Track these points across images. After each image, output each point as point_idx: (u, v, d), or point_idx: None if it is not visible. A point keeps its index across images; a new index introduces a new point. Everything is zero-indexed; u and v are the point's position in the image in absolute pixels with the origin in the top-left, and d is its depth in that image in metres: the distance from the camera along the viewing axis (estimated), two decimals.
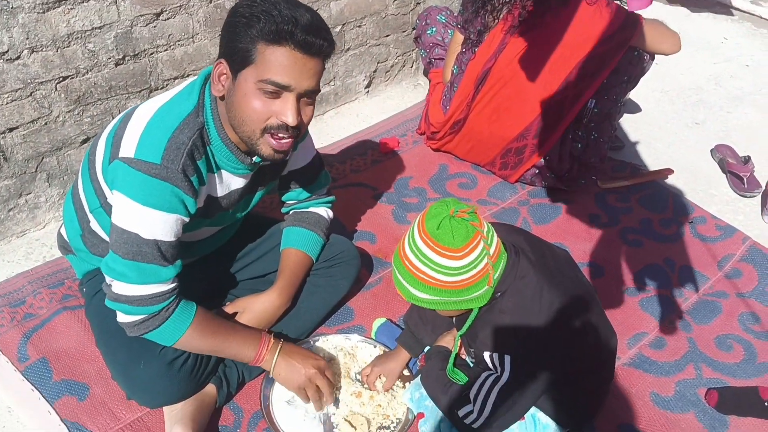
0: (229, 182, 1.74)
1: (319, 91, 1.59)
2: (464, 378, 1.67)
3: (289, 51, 1.49)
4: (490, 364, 1.57)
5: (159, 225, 1.56)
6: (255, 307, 1.92)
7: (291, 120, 1.53)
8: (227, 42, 1.53)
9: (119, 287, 1.60)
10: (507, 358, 1.52)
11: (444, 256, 1.41)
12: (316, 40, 1.50)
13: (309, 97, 1.57)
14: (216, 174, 1.69)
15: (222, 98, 1.59)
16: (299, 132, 1.61)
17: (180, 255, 1.65)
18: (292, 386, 1.81)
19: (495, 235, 1.48)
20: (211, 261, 2.01)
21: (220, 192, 1.74)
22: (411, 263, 1.45)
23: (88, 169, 1.71)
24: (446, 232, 1.40)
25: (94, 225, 1.78)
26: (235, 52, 1.51)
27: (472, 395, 1.58)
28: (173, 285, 1.64)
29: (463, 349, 1.76)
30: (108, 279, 1.62)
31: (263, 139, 1.58)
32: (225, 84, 1.56)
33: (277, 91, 1.51)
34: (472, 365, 1.76)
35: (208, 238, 1.92)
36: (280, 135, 1.57)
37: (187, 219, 1.62)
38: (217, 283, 2.08)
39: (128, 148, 1.55)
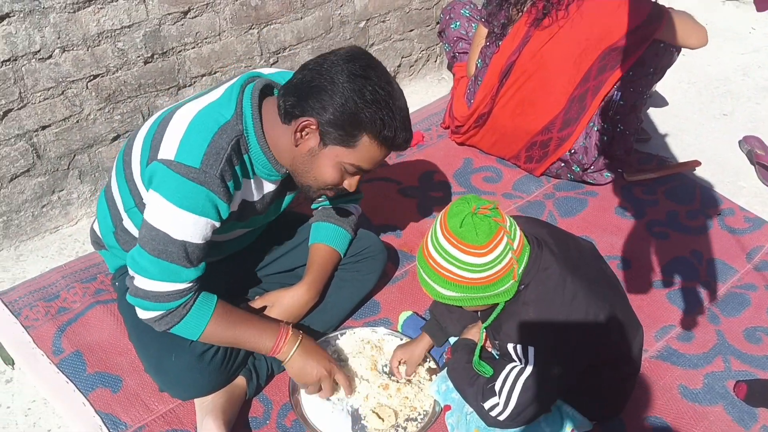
0: (263, 187, 1.78)
1: None
2: (490, 370, 1.68)
3: (387, 151, 1.64)
4: (514, 356, 1.57)
5: (190, 227, 1.58)
6: (284, 301, 1.94)
7: (353, 190, 1.71)
8: (330, 113, 1.55)
9: (140, 281, 1.62)
10: (531, 350, 1.52)
11: (469, 253, 1.42)
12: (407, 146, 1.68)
13: None
14: (252, 179, 1.72)
15: (296, 145, 1.63)
16: None
17: (208, 254, 1.67)
18: (301, 382, 1.83)
19: (518, 229, 1.49)
20: (237, 259, 2.03)
21: (255, 197, 1.77)
22: (436, 262, 1.47)
23: (123, 169, 1.74)
24: (469, 229, 1.41)
25: (128, 224, 1.81)
26: (337, 128, 1.56)
27: (497, 387, 1.59)
28: (192, 285, 1.65)
29: (488, 341, 1.77)
30: (131, 272, 1.65)
31: (320, 190, 1.73)
32: (307, 140, 1.61)
33: (357, 172, 1.66)
34: (497, 358, 1.76)
35: (237, 237, 1.94)
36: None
37: (218, 224, 1.64)
38: (242, 282, 2.10)
39: (168, 150, 1.57)
